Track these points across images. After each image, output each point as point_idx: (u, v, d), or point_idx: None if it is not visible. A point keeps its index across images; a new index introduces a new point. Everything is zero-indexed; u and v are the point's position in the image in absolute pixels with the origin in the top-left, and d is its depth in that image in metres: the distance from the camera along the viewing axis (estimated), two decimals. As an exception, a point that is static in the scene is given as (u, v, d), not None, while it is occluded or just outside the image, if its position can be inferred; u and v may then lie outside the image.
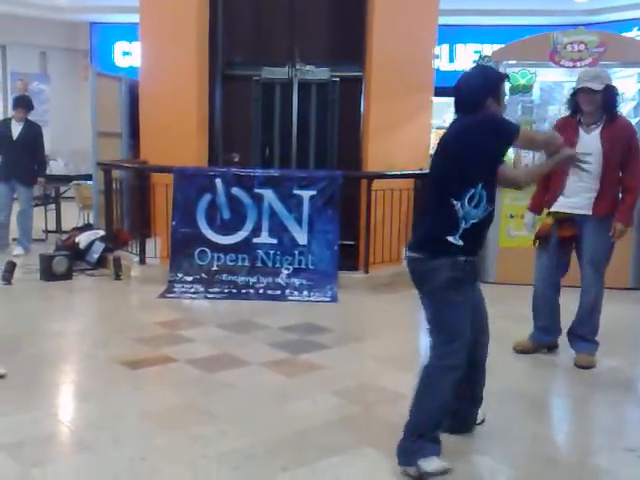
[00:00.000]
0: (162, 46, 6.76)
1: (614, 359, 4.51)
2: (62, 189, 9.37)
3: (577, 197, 4.19)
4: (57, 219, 8.94)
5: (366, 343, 4.88)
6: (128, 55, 13.46)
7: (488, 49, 10.64)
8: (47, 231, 8.79)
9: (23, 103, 7.81)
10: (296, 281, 6.04)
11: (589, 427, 3.53)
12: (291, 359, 4.39)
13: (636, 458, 3.12)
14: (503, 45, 7.17)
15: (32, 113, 7.94)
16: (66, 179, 9.58)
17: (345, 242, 6.36)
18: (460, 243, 2.83)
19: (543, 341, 4.51)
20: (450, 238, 2.82)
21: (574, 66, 6.38)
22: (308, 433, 3.29)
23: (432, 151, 10.07)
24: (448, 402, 2.94)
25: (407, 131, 6.85)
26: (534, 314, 4.49)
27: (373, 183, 6.33)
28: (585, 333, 4.32)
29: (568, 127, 4.23)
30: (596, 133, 4.14)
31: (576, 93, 4.17)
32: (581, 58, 6.41)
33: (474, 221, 2.83)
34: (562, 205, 4.26)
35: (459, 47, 13.04)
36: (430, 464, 2.83)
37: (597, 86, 4.04)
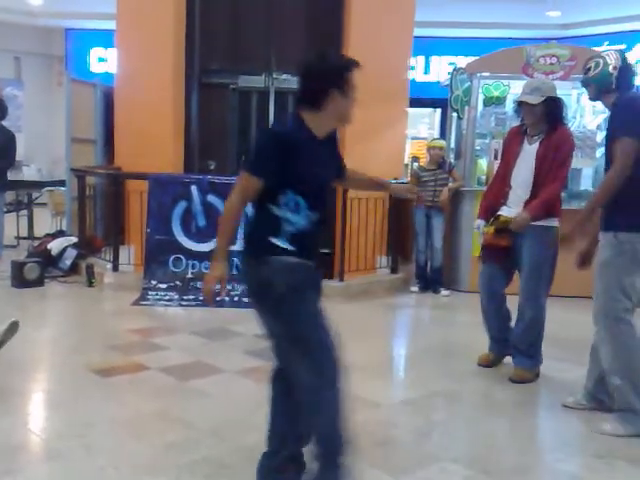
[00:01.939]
0: (138, 53, 6.74)
1: (584, 367, 4.57)
2: (35, 195, 9.27)
3: (517, 207, 4.17)
4: (29, 225, 8.84)
5: (341, 351, 4.88)
6: (104, 61, 13.38)
7: (462, 61, 10.77)
8: (19, 237, 8.68)
9: None
10: (271, 289, 6.02)
11: (558, 434, 3.57)
12: (266, 367, 4.31)
13: (605, 465, 3.17)
14: (477, 57, 7.27)
15: (6, 118, 7.82)
16: (39, 185, 9.49)
17: (321, 250, 6.36)
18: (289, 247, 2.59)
19: (500, 351, 4.50)
20: (274, 240, 2.58)
21: (546, 79, 6.49)
22: (282, 441, 3.28)
23: (407, 161, 10.14)
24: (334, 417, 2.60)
25: (382, 141, 6.90)
26: (485, 326, 4.48)
27: (348, 192, 6.36)
28: (523, 347, 4.26)
29: (515, 137, 4.30)
30: (536, 144, 4.13)
31: (519, 104, 4.19)
32: (553, 71, 6.53)
33: (299, 227, 2.59)
34: (504, 212, 4.26)
35: (434, 59, 13.16)
36: None
37: (534, 99, 4.02)
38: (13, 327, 4.02)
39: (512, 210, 4.21)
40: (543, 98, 4.03)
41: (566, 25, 11.91)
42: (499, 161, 4.58)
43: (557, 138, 4.09)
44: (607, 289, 3.45)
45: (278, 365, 2.80)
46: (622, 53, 3.58)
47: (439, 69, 12.96)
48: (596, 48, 9.49)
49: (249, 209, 2.67)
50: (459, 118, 7.04)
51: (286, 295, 2.57)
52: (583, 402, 3.78)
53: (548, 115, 4.07)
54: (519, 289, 4.23)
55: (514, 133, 4.38)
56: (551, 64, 6.55)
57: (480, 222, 4.43)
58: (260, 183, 2.55)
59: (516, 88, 6.78)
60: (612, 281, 3.43)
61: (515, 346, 4.31)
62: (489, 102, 6.85)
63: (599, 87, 3.50)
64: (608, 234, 3.45)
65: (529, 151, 4.15)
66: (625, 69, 3.48)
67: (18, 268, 6.29)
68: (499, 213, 4.27)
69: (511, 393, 4.13)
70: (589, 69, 3.54)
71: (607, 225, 3.47)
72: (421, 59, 12.97)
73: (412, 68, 9.91)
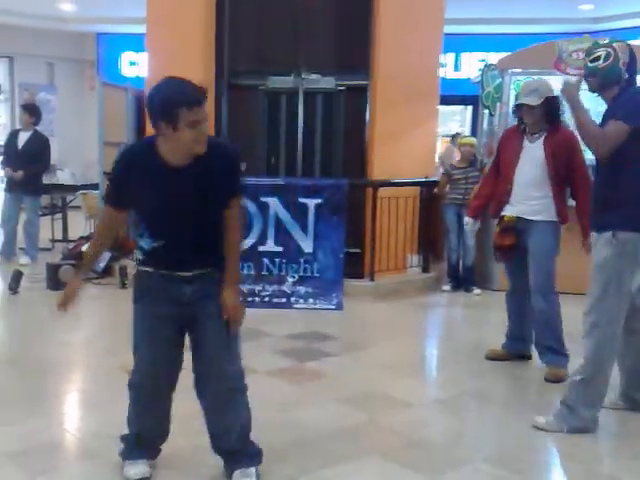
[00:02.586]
0: (168, 56, 6.79)
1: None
2: (69, 198, 9.41)
3: (522, 205, 4.25)
4: (64, 228, 8.98)
5: (372, 351, 4.87)
6: (135, 65, 13.53)
7: (493, 57, 10.67)
8: (54, 240, 8.82)
9: (27, 108, 7.86)
10: (301, 289, 6.04)
11: (593, 434, 3.47)
12: (297, 367, 4.39)
13: (643, 466, 3.11)
14: (509, 53, 7.18)
15: (39, 123, 7.96)
16: (73, 188, 9.63)
17: (351, 250, 6.36)
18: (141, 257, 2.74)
19: (512, 349, 4.51)
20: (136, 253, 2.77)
21: (579, 74, 6.37)
22: (313, 441, 3.28)
23: (437, 159, 10.05)
24: (139, 416, 2.89)
25: (413, 139, 6.86)
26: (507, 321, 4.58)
27: (378, 191, 6.34)
28: (547, 343, 4.26)
29: (513, 136, 4.38)
30: (539, 142, 4.21)
31: (517, 106, 4.30)
32: (586, 65, 6.40)
33: (147, 247, 2.69)
34: (508, 212, 4.32)
35: (464, 55, 13.04)
36: (133, 468, 2.87)
37: (534, 101, 4.11)
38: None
39: (515, 208, 4.28)
40: (542, 99, 4.12)
41: (599, 19, 11.68)
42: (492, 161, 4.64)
43: (564, 139, 4.18)
44: (607, 289, 3.30)
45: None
46: (630, 47, 3.47)
47: (469, 66, 12.86)
48: (631, 42, 9.32)
49: None
50: (491, 115, 6.96)
51: (133, 302, 2.86)
52: (619, 402, 3.70)
53: (547, 114, 4.18)
54: (531, 284, 4.24)
55: (511, 132, 4.48)
56: (584, 59, 6.42)
57: (469, 220, 4.62)
58: (115, 211, 2.69)
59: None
60: (613, 282, 3.29)
61: (540, 343, 4.31)
62: (521, 98, 6.75)
63: (605, 79, 3.38)
64: (605, 234, 3.29)
65: (533, 149, 4.21)
66: (632, 64, 3.40)
67: (53, 270, 6.39)
68: (503, 214, 4.34)
69: (544, 393, 4.07)
70: (597, 58, 3.41)
71: (603, 225, 3.32)
72: (451, 56, 12.86)
73: (443, 65, 9.82)
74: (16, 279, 6.25)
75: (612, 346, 3.37)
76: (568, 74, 6.34)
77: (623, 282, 3.31)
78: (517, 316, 4.48)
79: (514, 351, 4.51)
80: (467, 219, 4.68)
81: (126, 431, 2.93)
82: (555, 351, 4.25)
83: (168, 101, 2.42)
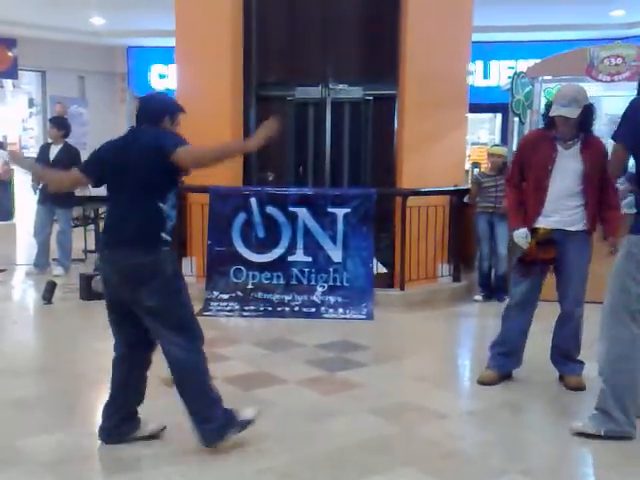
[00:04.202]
0: (197, 68, 6.85)
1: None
2: (101, 210, 9.51)
3: (557, 215, 4.06)
4: (96, 239, 9.06)
5: (403, 361, 4.84)
6: (164, 78, 13.68)
7: (523, 65, 10.58)
8: (87, 251, 8.92)
9: (55, 122, 7.99)
10: (331, 299, 6.02)
11: (632, 444, 3.40)
12: (328, 377, 4.37)
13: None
14: (538, 60, 7.13)
15: (71, 135, 8.07)
16: (105, 200, 9.70)
17: (380, 260, 6.33)
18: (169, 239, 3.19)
19: (507, 369, 4.31)
20: (163, 234, 3.15)
21: (612, 80, 6.32)
22: (346, 452, 3.26)
23: (468, 167, 9.91)
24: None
25: (442, 148, 6.82)
26: (500, 338, 4.35)
27: (408, 200, 6.31)
28: (573, 352, 4.22)
29: (543, 141, 4.11)
30: (575, 150, 4.01)
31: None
32: (619, 72, 6.34)
33: (173, 221, 3.24)
34: (542, 223, 4.11)
35: (493, 63, 12.99)
36: (246, 413, 3.28)
37: (574, 113, 3.90)
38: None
39: (549, 219, 4.08)
40: (580, 110, 3.92)
41: (630, 24, 11.54)
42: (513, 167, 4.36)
43: (599, 150, 4.05)
44: (613, 291, 3.38)
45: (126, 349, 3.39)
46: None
47: (498, 73, 12.80)
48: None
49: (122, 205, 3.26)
50: (521, 123, 6.91)
51: (174, 278, 3.20)
52: None
53: (583, 123, 3.99)
54: (566, 295, 4.14)
55: (540, 138, 4.18)
56: (617, 65, 6.36)
57: (526, 231, 4.14)
58: None
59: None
60: (617, 283, 3.35)
61: (563, 354, 4.24)
62: (552, 105, 6.69)
63: None
64: (625, 237, 3.43)
65: (569, 158, 4.01)
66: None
67: (86, 281, 6.46)
68: (537, 226, 4.11)
69: (577, 402, 3.99)
70: None
71: (629, 228, 3.44)
72: (480, 64, 12.80)
73: (471, 73, 9.77)
74: (50, 290, 6.33)
75: (620, 348, 3.34)
76: (600, 81, 6.29)
77: (627, 283, 3.33)
78: (521, 332, 4.27)
79: (510, 371, 4.32)
80: (523, 230, 4.14)
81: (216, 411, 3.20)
82: (577, 360, 4.24)
83: (178, 107, 3.53)
